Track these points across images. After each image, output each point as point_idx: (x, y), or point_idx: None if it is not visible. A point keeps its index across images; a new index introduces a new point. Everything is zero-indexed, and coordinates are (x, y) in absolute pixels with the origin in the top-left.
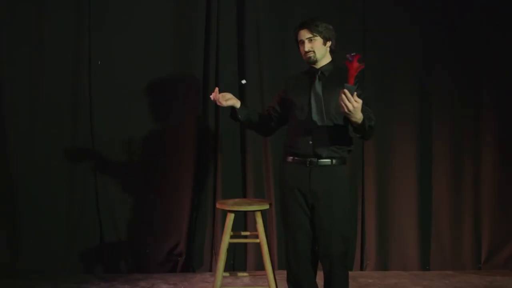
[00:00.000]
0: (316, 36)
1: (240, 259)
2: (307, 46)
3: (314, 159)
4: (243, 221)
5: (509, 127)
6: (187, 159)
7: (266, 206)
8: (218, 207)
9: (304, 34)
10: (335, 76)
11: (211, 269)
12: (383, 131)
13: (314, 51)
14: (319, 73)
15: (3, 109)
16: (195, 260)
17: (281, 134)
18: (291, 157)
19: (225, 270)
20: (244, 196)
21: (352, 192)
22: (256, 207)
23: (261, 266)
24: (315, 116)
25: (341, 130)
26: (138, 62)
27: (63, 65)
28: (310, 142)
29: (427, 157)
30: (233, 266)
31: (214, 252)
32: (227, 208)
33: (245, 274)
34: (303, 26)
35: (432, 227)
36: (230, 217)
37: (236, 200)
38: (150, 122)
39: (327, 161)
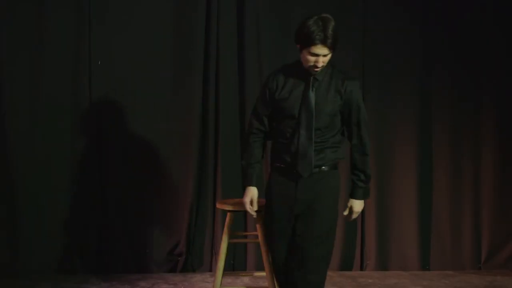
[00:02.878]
0: (331, 52)
1: (240, 259)
2: (321, 62)
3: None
4: (243, 221)
5: (509, 127)
6: (187, 159)
7: None
8: (218, 207)
9: (323, 50)
10: (327, 80)
11: (211, 269)
12: (383, 131)
13: (323, 65)
14: (312, 79)
15: (3, 109)
16: (195, 260)
17: None
18: (278, 164)
19: (225, 270)
20: None
21: (337, 202)
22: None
23: (261, 266)
24: (303, 130)
25: (330, 144)
26: (138, 62)
27: (63, 65)
28: (298, 155)
29: (427, 157)
30: (233, 266)
31: (214, 252)
32: (227, 208)
33: (245, 274)
34: (324, 42)
35: (432, 227)
36: (230, 217)
37: (236, 200)
38: (150, 122)
39: (315, 170)
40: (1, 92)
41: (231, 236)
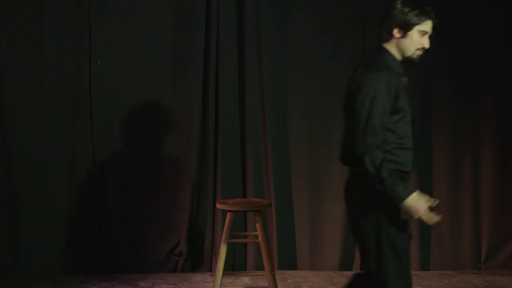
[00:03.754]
0: None
1: (240, 259)
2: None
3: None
4: (243, 221)
5: (509, 128)
6: (187, 159)
7: (266, 206)
8: (218, 207)
9: (431, 28)
10: None
11: (211, 269)
12: None
13: None
14: (402, 74)
15: (3, 109)
16: (195, 260)
17: (282, 134)
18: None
19: (225, 270)
20: (244, 196)
21: None
22: (256, 207)
23: (261, 266)
24: (415, 131)
25: None
26: (138, 62)
27: (63, 65)
28: (413, 156)
29: (427, 157)
30: (233, 266)
31: (214, 252)
32: (227, 208)
33: (245, 274)
34: (434, 19)
35: (432, 227)
36: (230, 217)
37: (236, 200)
38: (150, 122)
39: None
40: (1, 92)
41: (231, 236)
